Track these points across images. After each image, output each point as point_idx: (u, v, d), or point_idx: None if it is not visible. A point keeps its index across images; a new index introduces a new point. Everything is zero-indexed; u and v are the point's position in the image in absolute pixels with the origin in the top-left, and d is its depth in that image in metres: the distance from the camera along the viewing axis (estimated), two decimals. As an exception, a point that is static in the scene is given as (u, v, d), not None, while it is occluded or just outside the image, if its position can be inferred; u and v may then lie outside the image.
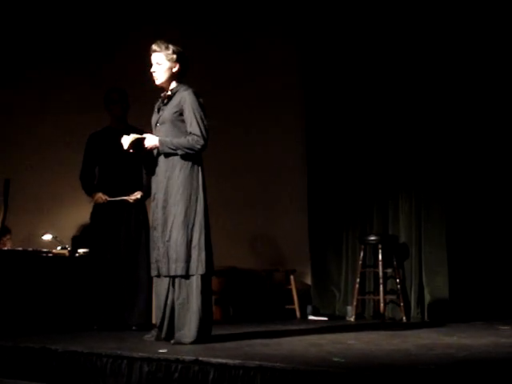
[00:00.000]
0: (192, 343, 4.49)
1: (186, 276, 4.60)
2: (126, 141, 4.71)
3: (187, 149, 4.66)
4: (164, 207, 4.67)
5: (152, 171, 4.80)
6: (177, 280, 4.63)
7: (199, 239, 4.63)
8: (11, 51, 7.14)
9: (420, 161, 6.68)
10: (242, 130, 7.64)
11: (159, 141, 4.67)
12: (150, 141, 4.70)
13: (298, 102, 7.62)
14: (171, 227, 4.64)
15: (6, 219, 6.13)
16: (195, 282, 4.60)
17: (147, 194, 5.79)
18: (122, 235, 5.83)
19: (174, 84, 4.79)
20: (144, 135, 4.73)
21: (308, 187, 7.52)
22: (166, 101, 4.79)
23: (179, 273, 4.59)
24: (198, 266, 4.59)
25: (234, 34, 7.81)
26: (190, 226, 4.63)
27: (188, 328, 4.57)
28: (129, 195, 5.85)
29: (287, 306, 7.24)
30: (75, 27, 7.41)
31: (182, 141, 4.67)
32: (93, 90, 6.51)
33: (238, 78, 7.77)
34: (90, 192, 5.93)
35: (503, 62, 6.51)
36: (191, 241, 4.62)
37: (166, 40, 4.78)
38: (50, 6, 7.30)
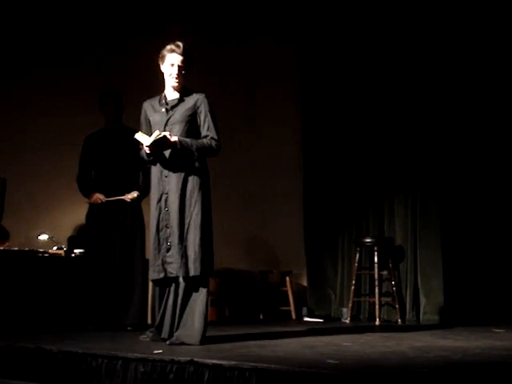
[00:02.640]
0: (200, 343, 4.51)
1: (199, 277, 4.61)
2: (147, 138, 4.64)
3: (206, 151, 4.71)
4: (179, 207, 4.64)
5: (159, 171, 4.75)
6: (186, 280, 4.62)
7: (210, 241, 4.67)
8: (9, 51, 7.13)
9: (416, 163, 6.69)
10: (237, 133, 7.64)
11: (179, 140, 4.66)
12: (172, 138, 4.66)
13: (295, 107, 7.64)
14: (188, 228, 4.64)
15: (2, 220, 6.13)
16: (203, 283, 4.64)
17: (143, 194, 5.80)
18: (117, 236, 5.83)
19: (181, 86, 4.80)
20: (163, 133, 4.68)
21: (304, 189, 7.53)
22: (174, 102, 4.78)
23: (197, 273, 4.59)
24: (209, 267, 4.64)
25: (233, 35, 7.82)
26: (206, 228, 4.65)
27: (193, 328, 4.58)
28: (125, 194, 5.86)
29: (283, 308, 7.25)
30: (74, 28, 7.40)
31: (201, 142, 4.70)
32: (90, 91, 6.50)
33: (234, 78, 7.79)
34: (87, 193, 5.93)
35: (500, 64, 6.52)
36: (207, 242, 4.65)
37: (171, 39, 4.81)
38: (49, 6, 7.29)
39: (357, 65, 7.15)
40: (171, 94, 4.83)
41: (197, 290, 4.63)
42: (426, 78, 6.67)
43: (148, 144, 4.63)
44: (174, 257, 4.62)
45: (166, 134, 4.65)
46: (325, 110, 7.41)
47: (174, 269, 4.62)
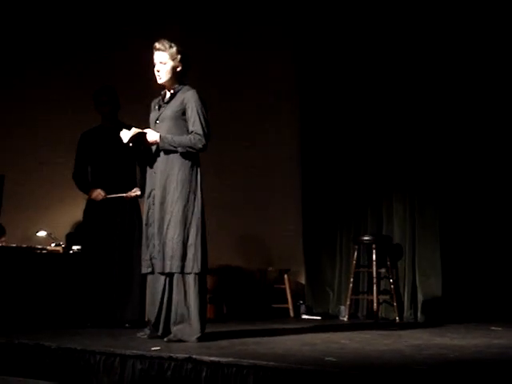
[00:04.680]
0: (198, 341, 4.51)
1: (182, 274, 4.61)
2: (127, 135, 4.68)
3: (189, 147, 4.68)
4: (162, 204, 4.67)
5: (149, 167, 4.79)
6: (174, 277, 4.64)
7: (196, 238, 4.64)
8: (9, 51, 7.13)
9: (414, 162, 6.70)
10: (237, 131, 7.65)
11: (160, 137, 4.67)
12: (152, 136, 4.69)
13: (294, 107, 7.64)
14: (168, 224, 4.65)
15: (1, 217, 6.13)
16: (192, 281, 4.62)
17: (143, 190, 5.79)
18: (116, 232, 5.81)
19: (175, 83, 4.80)
20: (145, 130, 4.71)
21: (302, 187, 7.54)
22: (167, 99, 4.80)
23: (174, 270, 4.60)
24: (193, 264, 4.61)
25: (233, 35, 7.82)
26: (187, 225, 4.64)
27: (190, 325, 4.58)
28: (127, 192, 5.85)
29: (281, 305, 7.25)
30: (74, 27, 7.41)
31: (184, 139, 4.68)
32: (88, 88, 6.49)
33: (234, 78, 7.79)
34: (86, 189, 5.92)
35: (499, 65, 6.52)
36: (187, 239, 4.63)
37: (169, 39, 4.79)
38: (49, 5, 7.29)
39: (355, 64, 7.16)
40: (167, 91, 4.85)
41: (188, 287, 4.63)
42: (424, 78, 6.67)
43: (125, 142, 4.67)
44: (157, 252, 4.66)
45: (147, 131, 4.68)
46: (323, 109, 7.42)
47: (157, 264, 4.66)
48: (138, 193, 5.82)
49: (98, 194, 5.83)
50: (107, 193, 5.83)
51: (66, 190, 6.68)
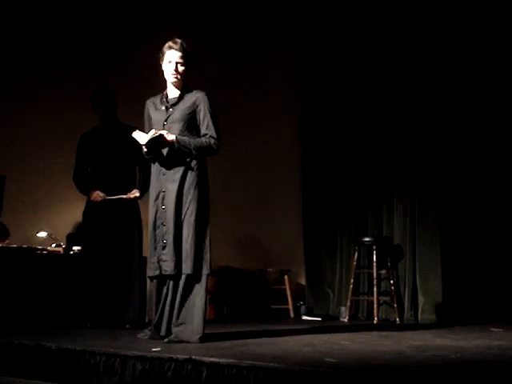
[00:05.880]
0: (200, 341, 4.51)
1: (194, 275, 4.61)
2: (144, 137, 4.62)
3: (205, 150, 4.70)
4: (176, 206, 4.65)
5: (158, 168, 4.76)
6: (182, 278, 4.63)
7: (206, 240, 4.67)
8: (9, 50, 7.13)
9: (415, 163, 6.70)
10: (237, 131, 7.64)
11: (176, 138, 4.66)
12: (169, 137, 4.65)
13: (295, 107, 7.64)
14: (181, 227, 4.64)
15: (1, 217, 6.13)
16: (201, 282, 4.63)
17: (143, 191, 5.80)
18: (115, 233, 5.81)
19: (183, 84, 4.79)
20: (161, 131, 4.68)
21: (303, 188, 7.55)
22: (174, 100, 4.78)
23: (189, 271, 4.59)
24: (204, 266, 4.63)
25: (234, 35, 7.82)
26: (200, 227, 4.65)
27: (191, 326, 4.58)
28: (127, 193, 5.84)
29: (281, 306, 7.25)
30: (73, 27, 7.39)
31: (199, 141, 4.69)
32: (87, 88, 6.48)
33: (235, 78, 7.79)
34: (86, 191, 5.91)
35: (499, 65, 6.52)
36: (200, 241, 4.64)
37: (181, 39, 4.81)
38: (49, 6, 7.29)
39: (356, 66, 7.18)
40: (172, 91, 4.83)
41: (194, 288, 4.63)
42: (425, 78, 6.69)
43: (144, 143, 4.64)
44: (168, 255, 4.64)
45: (164, 132, 4.65)
46: (324, 109, 7.43)
47: (167, 266, 4.63)
48: (137, 194, 5.82)
49: (97, 195, 5.82)
50: (107, 194, 5.83)
51: (66, 190, 6.68)
